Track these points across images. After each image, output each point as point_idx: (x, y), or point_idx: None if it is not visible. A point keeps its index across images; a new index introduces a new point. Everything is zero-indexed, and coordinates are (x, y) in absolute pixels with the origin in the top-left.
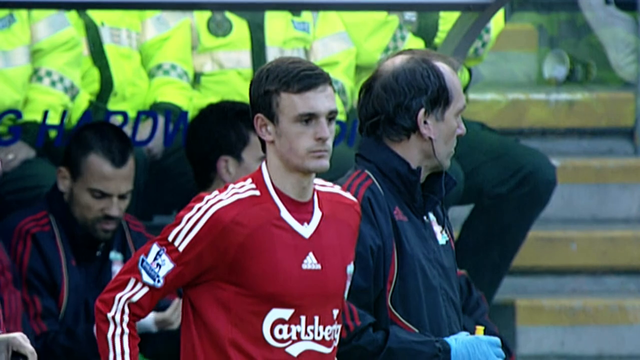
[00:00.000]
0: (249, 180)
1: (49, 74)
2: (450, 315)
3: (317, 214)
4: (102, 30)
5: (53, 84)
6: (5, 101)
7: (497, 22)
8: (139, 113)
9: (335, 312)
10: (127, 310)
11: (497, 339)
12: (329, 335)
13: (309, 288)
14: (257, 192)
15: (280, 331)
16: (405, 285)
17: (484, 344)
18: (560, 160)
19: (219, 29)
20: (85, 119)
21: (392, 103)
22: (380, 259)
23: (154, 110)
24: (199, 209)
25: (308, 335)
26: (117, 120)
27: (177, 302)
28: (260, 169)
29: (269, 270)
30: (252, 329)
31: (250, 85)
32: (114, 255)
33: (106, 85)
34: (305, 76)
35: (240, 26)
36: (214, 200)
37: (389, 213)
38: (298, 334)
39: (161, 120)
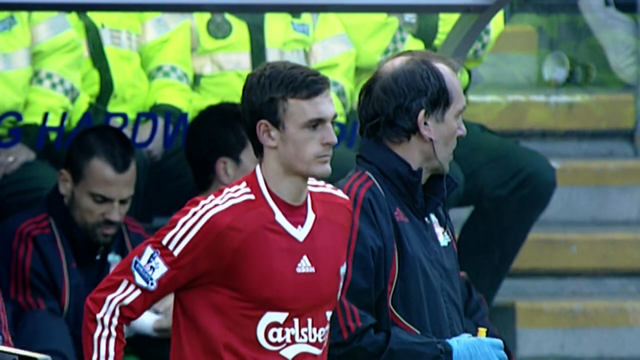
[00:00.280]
0: (244, 183)
1: (49, 76)
2: (452, 317)
3: (311, 217)
4: (102, 32)
5: (53, 86)
6: (6, 103)
7: (496, 23)
8: (139, 115)
9: (329, 314)
10: (117, 312)
11: (499, 341)
12: (322, 337)
13: (303, 292)
14: (252, 196)
15: (275, 334)
16: (406, 286)
17: (486, 346)
18: (560, 162)
19: (218, 31)
20: (85, 121)
21: (392, 104)
22: (381, 259)
23: (154, 112)
24: (194, 213)
25: (302, 337)
26: (117, 122)
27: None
28: (254, 172)
29: (264, 275)
30: (247, 332)
31: (248, 91)
32: (113, 258)
33: (106, 87)
34: (312, 82)
35: (239, 28)
36: (210, 205)
37: (389, 214)
38: (292, 337)
39: (161, 122)
